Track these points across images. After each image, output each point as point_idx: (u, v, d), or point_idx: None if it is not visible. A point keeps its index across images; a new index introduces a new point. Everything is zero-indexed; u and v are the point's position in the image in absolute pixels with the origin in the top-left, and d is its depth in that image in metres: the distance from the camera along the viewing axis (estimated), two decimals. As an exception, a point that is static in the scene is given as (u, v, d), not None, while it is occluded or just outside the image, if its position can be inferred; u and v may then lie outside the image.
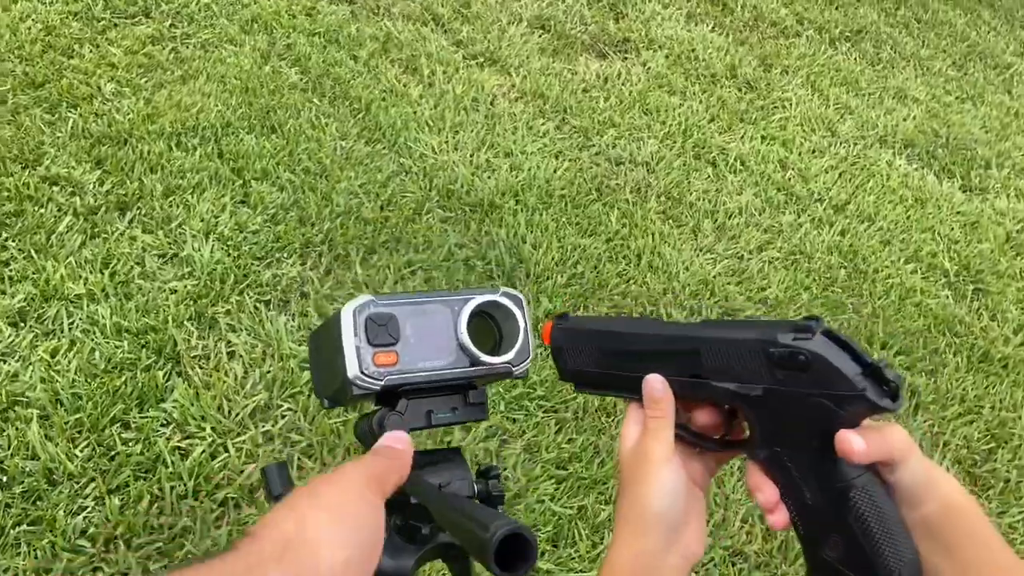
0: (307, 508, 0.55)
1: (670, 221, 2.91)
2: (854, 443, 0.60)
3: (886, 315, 2.76)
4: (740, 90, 3.91)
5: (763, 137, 3.58)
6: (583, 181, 2.94)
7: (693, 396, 0.71)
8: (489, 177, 2.82)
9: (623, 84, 3.63)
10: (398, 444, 0.67)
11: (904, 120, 4.01)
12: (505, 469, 1.93)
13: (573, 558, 1.80)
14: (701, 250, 2.82)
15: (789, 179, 3.34)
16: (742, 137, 3.54)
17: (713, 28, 4.34)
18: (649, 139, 3.31)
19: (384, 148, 2.80)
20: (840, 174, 3.46)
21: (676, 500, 0.68)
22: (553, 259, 2.54)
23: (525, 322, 0.77)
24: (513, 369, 0.76)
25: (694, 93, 3.75)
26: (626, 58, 3.88)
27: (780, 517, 0.66)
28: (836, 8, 4.98)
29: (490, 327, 0.77)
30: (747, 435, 0.69)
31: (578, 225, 2.74)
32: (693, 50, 4.06)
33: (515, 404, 2.08)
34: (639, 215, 2.86)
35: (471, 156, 2.89)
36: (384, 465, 0.63)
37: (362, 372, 0.69)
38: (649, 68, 3.82)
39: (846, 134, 3.76)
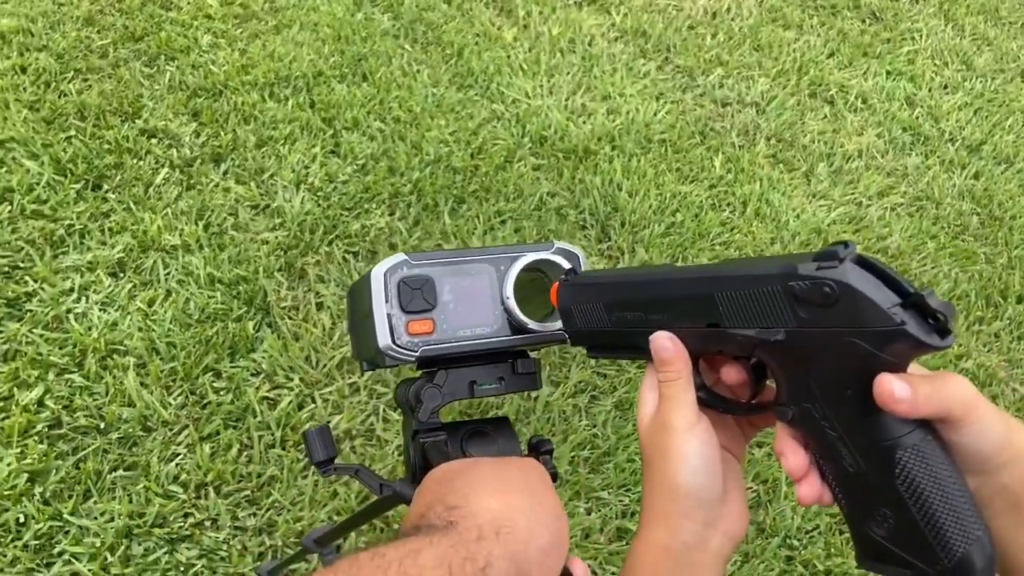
0: (507, 493, 0.51)
1: (780, 166, 2.71)
2: (896, 388, 0.48)
3: (1025, 267, 2.50)
4: (864, 22, 3.59)
5: (888, 72, 3.28)
6: (685, 124, 2.77)
7: (713, 350, 0.60)
8: (584, 122, 2.69)
9: (733, 19, 3.39)
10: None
11: (1054, 49, 3.59)
12: (594, 427, 1.85)
13: (665, 521, 1.71)
14: (814, 196, 2.62)
15: (917, 118, 3.05)
16: (864, 73, 3.25)
17: (834, -45, 3.99)
18: (760, 77, 3.08)
19: (476, 94, 2.71)
20: (975, 111, 3.14)
21: (709, 472, 0.58)
22: (651, 207, 2.41)
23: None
24: (567, 332, 0.66)
25: (811, 26, 3.47)
26: (736, -9, 3.62)
27: (810, 488, 0.54)
28: (977, -73, 4.50)
29: (544, 286, 0.67)
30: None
31: (678, 171, 2.59)
32: (811, -20, 3.75)
33: (604, 360, 1.99)
34: (746, 160, 2.67)
35: (566, 100, 2.77)
36: None
37: (394, 343, 0.61)
38: (762, 1, 3.56)
39: (983, 68, 3.40)
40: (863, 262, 0.51)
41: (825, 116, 2.98)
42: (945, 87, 3.26)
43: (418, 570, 0.42)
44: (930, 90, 3.21)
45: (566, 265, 0.66)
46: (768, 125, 2.85)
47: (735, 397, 0.63)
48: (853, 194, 2.66)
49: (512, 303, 0.64)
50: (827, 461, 0.54)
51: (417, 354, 0.62)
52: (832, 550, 1.73)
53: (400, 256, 0.62)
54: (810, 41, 3.36)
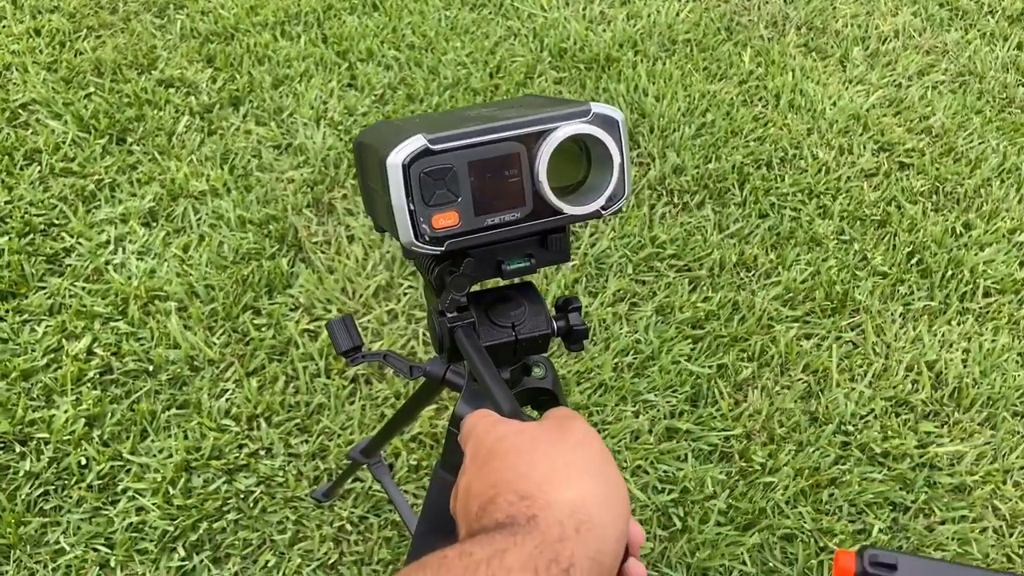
0: (578, 478, 0.49)
1: (813, 54, 2.60)
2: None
3: (1080, 134, 2.37)
4: None
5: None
6: (710, 21, 2.67)
7: None
8: (604, 30, 2.61)
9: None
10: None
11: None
12: (636, 332, 1.83)
13: (715, 417, 1.70)
14: (851, 82, 2.51)
15: (955, -9, 2.89)
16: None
17: None
18: (784, -34, 2.94)
19: (490, 12, 2.64)
20: (1019, -22, 2.96)
21: None
22: (679, 110, 2.34)
23: (622, 153, 0.61)
24: (604, 213, 0.62)
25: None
26: None
27: None
28: None
29: (577, 154, 0.61)
30: None
31: (706, 70, 2.50)
32: None
33: (644, 265, 1.96)
34: (776, 51, 2.57)
35: (583, 9, 2.68)
36: None
37: (417, 239, 0.58)
38: None
39: (1026, -70, 3.19)
40: None
41: (857, -2, 2.84)
42: (984, -44, 3.08)
43: (505, 572, 0.41)
44: (968, -39, 3.04)
45: (604, 136, 0.59)
46: (797, 14, 2.73)
47: None
48: (892, 76, 2.54)
49: (545, 188, 0.58)
50: None
51: (443, 248, 0.58)
52: (889, 432, 1.70)
53: (419, 140, 0.55)
54: (836, -77, 3.19)
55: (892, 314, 1.92)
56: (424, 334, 1.80)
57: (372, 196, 0.65)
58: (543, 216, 0.60)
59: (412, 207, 0.56)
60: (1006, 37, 2.72)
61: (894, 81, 2.53)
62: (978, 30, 2.74)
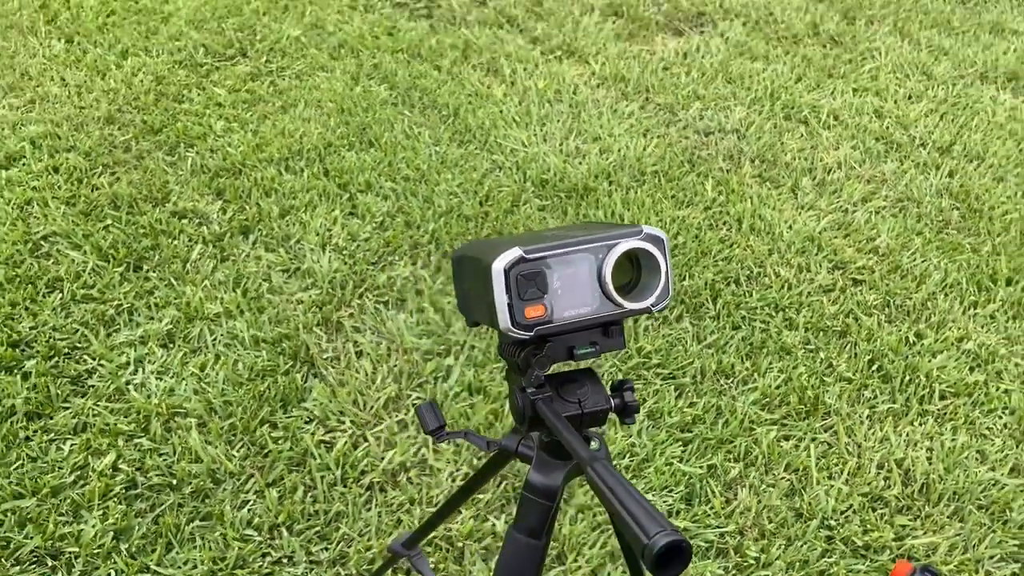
0: None
1: (767, 183, 2.89)
2: None
3: (1008, 251, 2.65)
4: (825, 47, 3.82)
5: (855, 90, 3.49)
6: (674, 155, 2.96)
7: None
8: (580, 163, 2.87)
9: (703, 57, 3.62)
10: None
11: (1004, 54, 3.83)
12: (629, 437, 1.96)
13: (708, 515, 1.82)
14: (803, 208, 2.78)
15: (887, 128, 3.25)
16: (832, 92, 3.46)
17: (788, -11, 4.26)
18: (736, 107, 3.28)
19: (476, 148, 2.89)
20: (941, 116, 3.34)
21: None
22: (653, 233, 2.57)
23: (666, 263, 0.78)
24: (653, 310, 0.79)
25: (777, 56, 3.70)
26: (703, 32, 3.86)
27: None
28: (917, -50, 4.80)
29: (628, 265, 0.79)
30: None
31: (674, 198, 2.76)
32: (771, 14, 4.00)
33: (632, 374, 2.12)
34: (735, 181, 2.85)
35: (560, 145, 2.95)
36: None
37: (513, 326, 0.74)
38: (728, 38, 3.80)
39: (943, 75, 3.62)
40: None
41: (802, 135, 3.17)
42: (909, 97, 3.47)
43: None
44: (896, 101, 3.42)
45: (653, 251, 0.77)
46: (750, 148, 3.04)
47: None
48: (839, 202, 2.82)
49: (610, 287, 0.76)
50: None
51: (532, 334, 0.75)
52: (868, 526, 1.84)
53: (516, 251, 0.73)
54: (778, 69, 3.58)
55: (860, 416, 2.09)
56: (434, 445, 1.91)
57: (469, 297, 0.82)
58: (606, 310, 0.77)
59: (510, 301, 0.74)
60: (938, 166, 3.05)
61: (841, 207, 2.81)
62: (912, 160, 3.07)
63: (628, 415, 0.84)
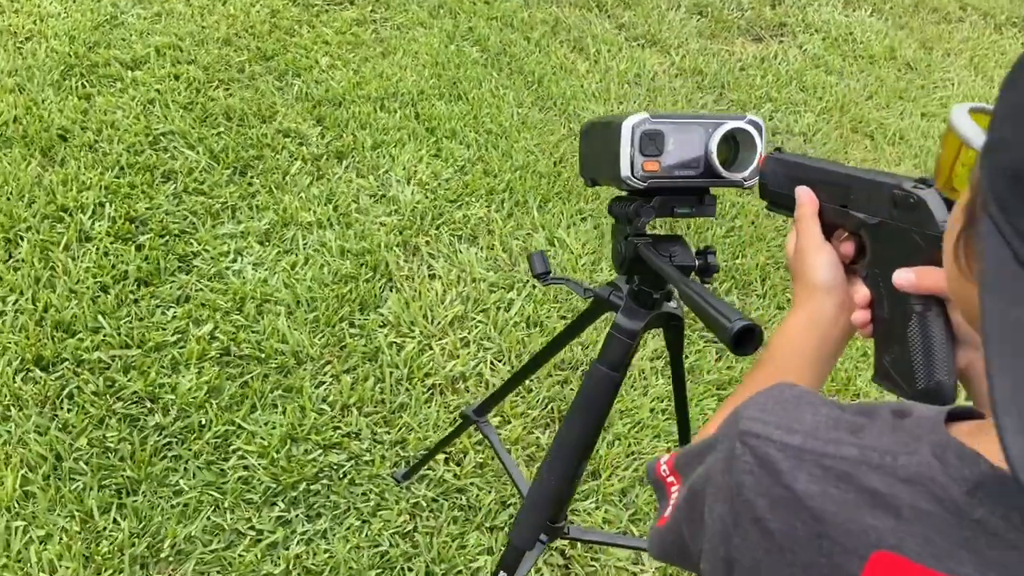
0: None
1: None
2: (901, 276, 0.72)
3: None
4: (900, 70, 3.94)
5: (923, 114, 3.61)
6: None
7: (837, 223, 0.84)
8: (652, 142, 3.03)
9: (780, 64, 3.76)
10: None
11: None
12: (669, 384, 2.13)
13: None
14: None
15: (949, 152, 3.36)
16: (901, 113, 3.59)
17: (871, 13, 4.38)
18: (806, 113, 3.43)
19: (555, 115, 3.07)
20: (1003, 149, 3.45)
21: (837, 273, 0.80)
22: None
23: (761, 146, 0.93)
24: (744, 184, 0.96)
25: (851, 72, 3.83)
26: (782, 41, 4.00)
27: (863, 317, 0.78)
28: (1003, -8, 4.88)
29: (728, 144, 0.97)
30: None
31: (736, 186, 2.91)
32: (851, 33, 4.13)
33: (679, 332, 2.29)
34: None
35: (635, 123, 3.12)
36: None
37: (632, 175, 0.93)
38: (806, 50, 3.93)
39: (1011, 112, 3.72)
40: (943, 196, 0.73)
41: (866, 147, 3.30)
42: (975, 128, 3.58)
43: None
44: (961, 130, 3.53)
45: (753, 132, 0.95)
46: (815, 152, 3.18)
47: (843, 260, 0.90)
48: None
49: (714, 157, 0.93)
50: (874, 306, 0.79)
51: (646, 185, 0.93)
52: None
53: (644, 114, 0.92)
54: (850, 85, 3.72)
55: (889, 400, 2.24)
56: (492, 361, 2.10)
57: (593, 157, 1.00)
58: (708, 176, 0.94)
59: (632, 154, 0.91)
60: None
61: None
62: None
63: (708, 274, 1.02)
